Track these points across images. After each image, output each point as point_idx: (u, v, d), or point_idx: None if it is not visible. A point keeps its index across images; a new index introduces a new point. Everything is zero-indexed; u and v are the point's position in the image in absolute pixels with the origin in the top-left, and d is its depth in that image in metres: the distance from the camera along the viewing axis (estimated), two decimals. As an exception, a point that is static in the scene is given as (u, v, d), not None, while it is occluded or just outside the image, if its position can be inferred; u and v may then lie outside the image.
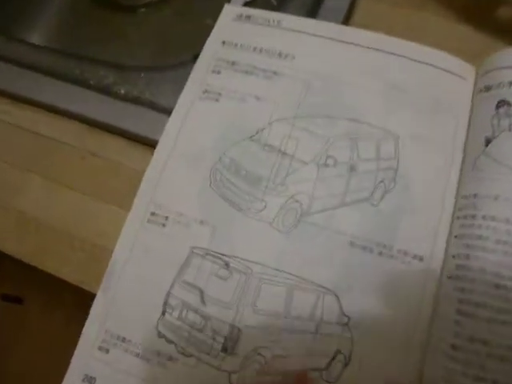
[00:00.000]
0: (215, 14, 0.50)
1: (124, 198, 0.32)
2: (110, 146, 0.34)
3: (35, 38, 0.51)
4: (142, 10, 0.55)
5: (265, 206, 0.29)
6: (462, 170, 0.29)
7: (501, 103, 0.29)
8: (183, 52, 0.48)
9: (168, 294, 0.28)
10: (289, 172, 0.29)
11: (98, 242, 0.32)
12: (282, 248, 0.28)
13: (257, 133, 0.31)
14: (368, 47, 0.32)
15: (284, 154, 0.30)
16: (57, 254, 0.32)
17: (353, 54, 0.32)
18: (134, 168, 0.33)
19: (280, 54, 0.33)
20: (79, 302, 0.30)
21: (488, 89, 0.30)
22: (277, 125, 0.31)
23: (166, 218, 0.29)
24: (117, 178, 0.33)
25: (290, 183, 0.29)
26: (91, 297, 0.29)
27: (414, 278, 0.27)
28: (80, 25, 0.54)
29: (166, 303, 0.28)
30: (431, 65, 0.32)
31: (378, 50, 0.32)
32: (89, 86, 0.35)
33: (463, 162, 0.29)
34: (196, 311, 0.27)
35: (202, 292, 0.28)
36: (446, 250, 0.27)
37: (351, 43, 0.32)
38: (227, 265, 0.28)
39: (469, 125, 0.30)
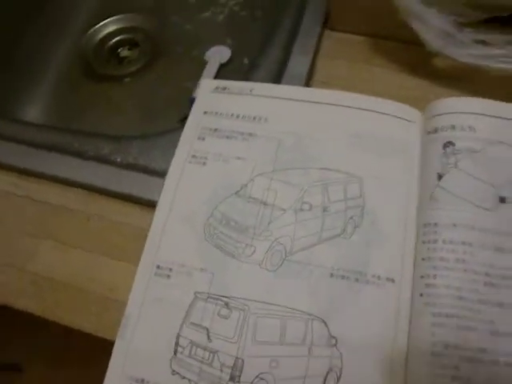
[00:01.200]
0: (193, 77, 0.55)
1: (129, 253, 0.36)
2: (112, 209, 0.39)
3: (32, 114, 0.56)
4: (127, 79, 0.61)
5: (254, 251, 0.33)
6: (420, 202, 0.34)
7: (447, 144, 0.35)
8: (169, 115, 0.53)
9: (178, 336, 0.32)
10: (271, 219, 0.34)
11: (109, 295, 0.36)
12: (272, 285, 0.33)
13: (241, 188, 0.36)
14: (328, 103, 0.38)
15: (266, 204, 0.35)
16: (72, 308, 0.36)
17: (316, 111, 0.38)
18: (135, 226, 0.38)
19: (254, 118, 0.38)
20: (83, 361, 0.34)
21: (435, 131, 0.35)
22: (258, 179, 0.36)
23: (170, 269, 0.34)
24: (120, 236, 0.38)
25: (273, 229, 0.34)
26: (101, 349, 0.33)
27: (389, 298, 0.32)
28: (72, 97, 0.60)
29: (176, 343, 0.32)
30: (383, 113, 0.37)
31: (336, 105, 0.38)
32: (88, 157, 0.40)
33: (420, 195, 0.34)
34: (204, 348, 0.31)
35: (207, 330, 0.32)
36: (415, 272, 0.32)
37: (313, 102, 0.38)
38: (227, 304, 0.32)
39: (421, 162, 0.35)
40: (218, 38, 0.60)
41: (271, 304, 0.32)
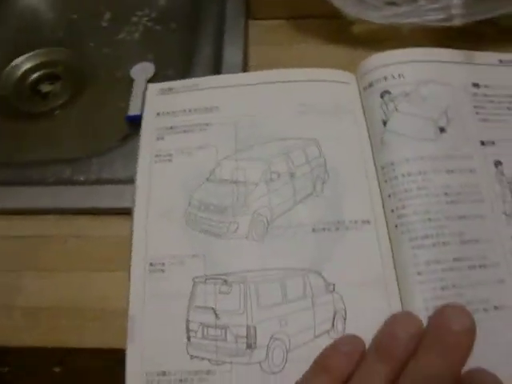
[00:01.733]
0: (124, 97, 0.56)
1: (115, 263, 0.37)
2: (87, 226, 0.39)
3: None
4: (57, 111, 0.60)
5: (237, 227, 0.35)
6: (373, 148, 0.38)
7: (383, 93, 0.39)
8: (112, 135, 0.54)
9: (187, 321, 0.33)
10: (246, 195, 0.36)
11: (106, 307, 0.36)
12: (262, 252, 0.35)
13: (210, 174, 0.37)
14: (269, 82, 0.41)
15: (237, 182, 0.37)
16: (72, 329, 0.35)
17: (260, 92, 0.40)
18: (115, 235, 0.38)
19: (206, 109, 0.40)
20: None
21: (371, 85, 0.39)
22: (224, 162, 0.38)
23: (163, 264, 0.35)
24: (102, 249, 0.38)
25: (250, 203, 0.36)
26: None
27: (369, 237, 0.35)
28: (4, 141, 0.58)
29: (188, 329, 0.33)
30: (319, 80, 0.41)
31: (277, 82, 0.41)
32: (51, 183, 0.40)
33: (372, 143, 0.38)
34: (215, 326, 0.33)
35: (213, 309, 0.33)
36: (385, 208, 0.35)
37: (255, 84, 0.41)
38: (225, 281, 0.34)
39: (366, 116, 0.39)
40: (139, 56, 0.62)
41: (266, 269, 0.34)
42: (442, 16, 0.41)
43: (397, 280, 0.33)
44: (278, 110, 0.40)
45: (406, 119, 0.37)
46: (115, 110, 0.57)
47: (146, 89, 0.42)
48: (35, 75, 0.65)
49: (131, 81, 0.59)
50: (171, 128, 0.40)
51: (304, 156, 0.38)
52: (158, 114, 0.41)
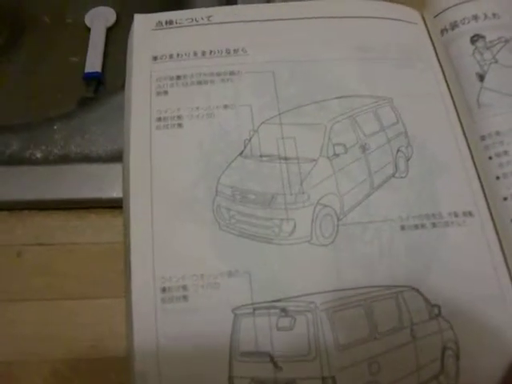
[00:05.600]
0: (78, 50, 0.43)
1: (103, 284, 0.24)
2: (52, 226, 0.26)
3: None
4: None
5: (294, 225, 0.24)
6: (465, 113, 0.27)
7: (475, 37, 0.28)
8: (64, 99, 0.40)
9: (230, 379, 0.21)
10: (302, 177, 0.25)
11: (95, 355, 0.23)
12: (334, 262, 0.23)
13: (245, 146, 0.25)
14: (313, 17, 0.29)
15: (286, 158, 0.25)
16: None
17: (307, 28, 0.28)
18: (97, 241, 0.25)
19: (228, 51, 0.27)
20: None
21: (453, 27, 0.29)
22: (263, 129, 0.25)
23: (184, 287, 0.22)
24: (79, 263, 0.25)
25: (308, 189, 0.24)
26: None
27: (474, 235, 0.25)
28: None
29: (234, 390, 0.21)
30: (383, 17, 0.29)
31: (324, 17, 0.29)
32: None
33: (462, 105, 0.27)
34: (275, 382, 0.21)
35: (271, 356, 0.21)
36: (491, 194, 0.25)
37: (299, 18, 0.29)
38: (285, 310, 0.22)
39: (449, 67, 0.28)
40: (95, -1, 0.47)
41: (343, 290, 0.23)
42: None
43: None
44: (330, 56, 0.28)
45: (509, 73, 0.27)
46: (68, 66, 0.43)
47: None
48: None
49: (86, 29, 0.45)
50: (178, 78, 0.27)
51: (377, 121, 0.26)
52: (155, 58, 0.27)
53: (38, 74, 0.44)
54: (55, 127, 0.27)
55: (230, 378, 0.21)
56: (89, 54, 0.42)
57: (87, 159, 0.26)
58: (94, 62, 0.41)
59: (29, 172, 0.26)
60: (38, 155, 0.26)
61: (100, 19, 0.46)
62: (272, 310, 0.22)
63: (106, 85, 0.41)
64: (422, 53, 0.29)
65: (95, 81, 0.41)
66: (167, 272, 0.23)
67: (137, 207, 0.24)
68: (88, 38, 0.43)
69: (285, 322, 0.22)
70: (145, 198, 0.24)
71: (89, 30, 0.45)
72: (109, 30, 0.45)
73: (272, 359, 0.21)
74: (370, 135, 0.26)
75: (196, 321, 0.22)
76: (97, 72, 0.40)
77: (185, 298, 0.22)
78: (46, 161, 0.26)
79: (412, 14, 0.30)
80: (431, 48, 0.30)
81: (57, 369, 0.23)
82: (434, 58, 0.29)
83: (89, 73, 0.41)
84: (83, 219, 0.26)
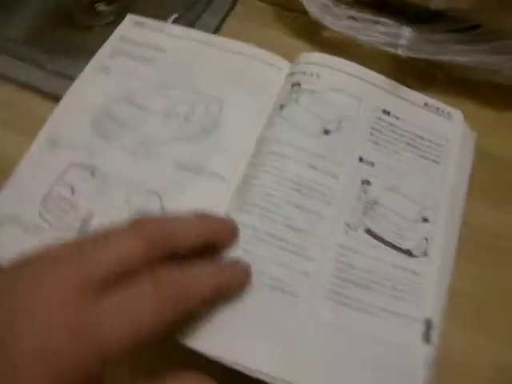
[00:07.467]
0: None
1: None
2: None
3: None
4: (96, 28, 0.69)
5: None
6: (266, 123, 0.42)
7: (295, 84, 0.42)
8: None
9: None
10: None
11: None
12: None
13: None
14: (220, 48, 0.47)
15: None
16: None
17: (206, 51, 0.46)
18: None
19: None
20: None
21: (291, 74, 0.43)
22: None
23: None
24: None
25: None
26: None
27: (218, 191, 0.39)
28: (45, 38, 0.67)
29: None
30: (259, 60, 0.45)
31: (220, 48, 0.46)
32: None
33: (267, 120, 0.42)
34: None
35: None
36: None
37: (208, 44, 0.47)
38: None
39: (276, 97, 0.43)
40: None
41: None
42: (389, 40, 0.44)
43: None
44: (209, 69, 0.45)
45: (299, 111, 0.41)
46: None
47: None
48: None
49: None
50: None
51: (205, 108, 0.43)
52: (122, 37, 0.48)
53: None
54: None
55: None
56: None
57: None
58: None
59: None
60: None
61: None
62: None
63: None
64: (270, 85, 0.43)
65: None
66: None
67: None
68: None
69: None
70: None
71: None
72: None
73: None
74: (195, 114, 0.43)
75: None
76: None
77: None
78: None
79: (282, 63, 0.45)
80: (280, 85, 0.44)
81: None
82: (277, 91, 0.44)
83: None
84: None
